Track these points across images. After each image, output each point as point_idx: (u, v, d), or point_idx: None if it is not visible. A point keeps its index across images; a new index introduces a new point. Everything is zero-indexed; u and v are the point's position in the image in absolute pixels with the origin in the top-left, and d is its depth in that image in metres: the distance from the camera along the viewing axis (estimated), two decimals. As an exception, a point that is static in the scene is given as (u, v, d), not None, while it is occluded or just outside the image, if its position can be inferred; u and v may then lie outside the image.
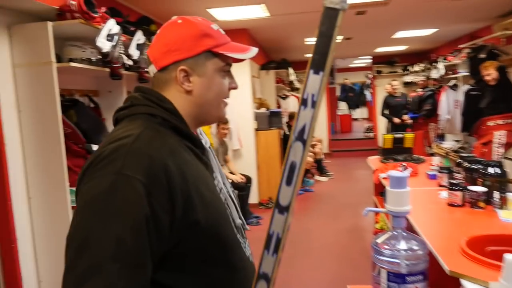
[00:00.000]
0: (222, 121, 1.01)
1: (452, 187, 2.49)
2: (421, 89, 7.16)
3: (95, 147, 2.48)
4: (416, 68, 8.76)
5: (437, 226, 2.16)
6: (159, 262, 0.74)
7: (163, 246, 0.73)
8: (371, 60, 10.45)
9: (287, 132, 6.48)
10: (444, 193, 2.57)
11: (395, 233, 1.35)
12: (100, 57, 2.49)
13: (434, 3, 4.34)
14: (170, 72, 0.85)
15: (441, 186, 2.85)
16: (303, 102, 0.55)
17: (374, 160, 4.53)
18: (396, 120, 6.57)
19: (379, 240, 1.37)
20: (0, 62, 2.20)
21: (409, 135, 4.72)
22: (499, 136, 4.32)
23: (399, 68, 9.75)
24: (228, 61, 0.89)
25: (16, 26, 2.25)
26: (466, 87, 6.00)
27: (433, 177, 3.17)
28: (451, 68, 6.79)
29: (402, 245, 1.35)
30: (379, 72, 9.95)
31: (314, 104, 0.54)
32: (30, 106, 2.29)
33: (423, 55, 9.13)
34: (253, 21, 4.78)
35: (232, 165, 5.07)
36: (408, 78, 9.30)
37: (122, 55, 2.51)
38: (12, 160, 2.25)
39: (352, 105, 15.65)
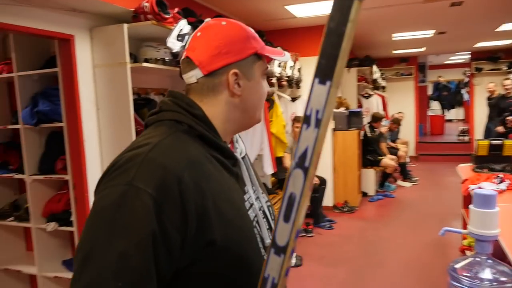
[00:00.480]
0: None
1: (559, 209, 2.09)
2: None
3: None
4: (525, 65, 7.67)
5: (535, 255, 1.81)
6: (171, 282, 0.69)
7: (173, 265, 0.68)
8: (469, 56, 9.43)
9: (369, 134, 6.14)
10: (549, 215, 2.17)
11: (478, 259, 1.14)
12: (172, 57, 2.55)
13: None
14: (220, 76, 0.80)
15: (545, 206, 2.42)
16: (306, 120, 0.44)
17: (465, 168, 4.05)
18: (500, 129, 6.21)
19: (457, 266, 1.16)
20: (82, 63, 2.37)
21: (509, 142, 4.14)
22: None
23: (504, 65, 8.63)
24: (267, 65, 0.86)
25: (96, 28, 2.40)
26: None
27: (536, 193, 2.72)
28: None
29: (486, 274, 1.13)
30: (478, 69, 8.91)
31: (318, 123, 0.42)
32: (107, 104, 2.43)
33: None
34: (333, 17, 4.56)
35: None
36: (514, 76, 8.20)
37: (193, 55, 2.53)
38: (90, 156, 2.41)
39: (446, 105, 14.39)
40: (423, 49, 8.06)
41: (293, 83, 4.67)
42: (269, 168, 3.79)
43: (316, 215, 4.71)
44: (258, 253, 0.78)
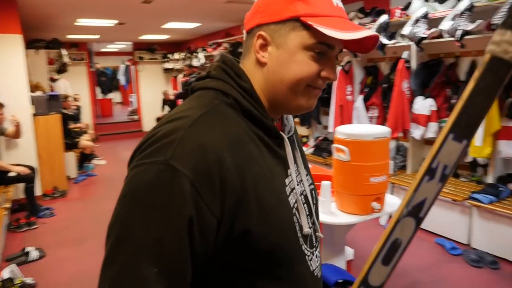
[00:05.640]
0: (303, 112, 0.74)
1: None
2: (188, 75, 8.09)
3: None
4: (176, 56, 9.64)
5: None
6: (204, 267, 0.66)
7: (208, 251, 0.64)
8: (130, 45, 10.65)
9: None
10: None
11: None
12: None
13: (210, 4, 5.13)
14: (252, 37, 0.72)
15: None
16: (430, 172, 0.44)
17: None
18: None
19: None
20: None
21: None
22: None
23: (159, 56, 10.42)
24: (326, 41, 0.68)
25: None
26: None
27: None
28: (209, 58, 7.97)
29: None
30: (141, 58, 10.30)
31: (443, 178, 0.43)
32: None
33: (181, 45, 10.13)
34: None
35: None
36: (168, 65, 10.12)
37: None
38: None
39: (105, 90, 15.45)
40: (98, 36, 8.45)
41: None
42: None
43: (33, 206, 4.42)
44: (296, 242, 0.73)
